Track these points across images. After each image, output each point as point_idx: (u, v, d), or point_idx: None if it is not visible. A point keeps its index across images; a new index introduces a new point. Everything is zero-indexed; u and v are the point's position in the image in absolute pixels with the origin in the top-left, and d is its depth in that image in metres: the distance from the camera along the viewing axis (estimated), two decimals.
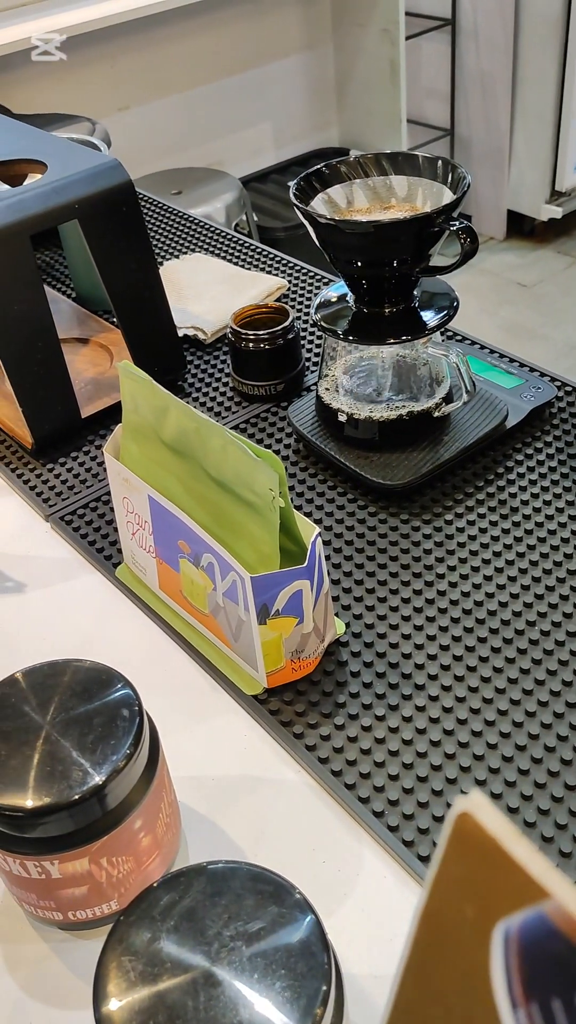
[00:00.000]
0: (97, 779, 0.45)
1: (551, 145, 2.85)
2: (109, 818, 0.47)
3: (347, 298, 0.76)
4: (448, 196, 0.70)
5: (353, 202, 0.74)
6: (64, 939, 0.51)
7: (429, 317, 0.73)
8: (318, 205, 0.72)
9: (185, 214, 1.30)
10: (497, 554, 0.71)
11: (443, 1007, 0.21)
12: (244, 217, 2.43)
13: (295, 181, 0.71)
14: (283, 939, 0.39)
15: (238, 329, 0.87)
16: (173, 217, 1.30)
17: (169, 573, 0.66)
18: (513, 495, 0.76)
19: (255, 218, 2.58)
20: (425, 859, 0.52)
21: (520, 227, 3.07)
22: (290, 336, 0.87)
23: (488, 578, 0.69)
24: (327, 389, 0.79)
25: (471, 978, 0.19)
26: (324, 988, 0.38)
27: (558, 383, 0.88)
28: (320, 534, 0.58)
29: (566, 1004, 0.17)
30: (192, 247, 1.21)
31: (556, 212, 2.91)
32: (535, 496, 0.76)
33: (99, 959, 0.39)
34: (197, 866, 0.42)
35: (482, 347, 0.93)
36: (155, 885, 0.42)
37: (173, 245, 1.22)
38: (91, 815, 0.46)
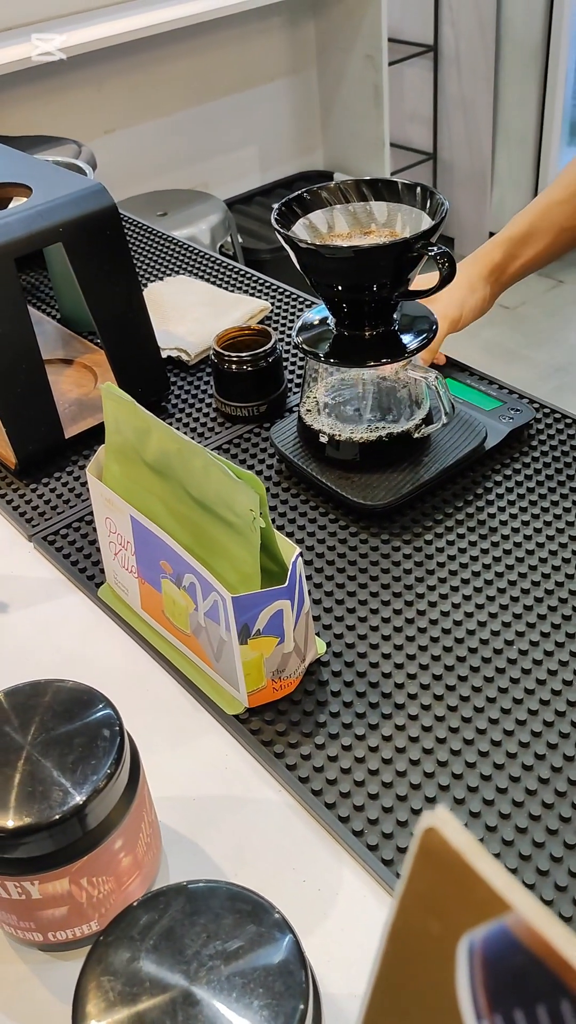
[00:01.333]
0: (78, 799, 0.45)
1: (532, 168, 2.89)
2: (89, 838, 0.47)
3: (328, 321, 0.77)
4: (427, 222, 0.71)
5: (334, 227, 0.75)
6: (44, 960, 0.51)
7: (409, 340, 0.74)
8: (299, 230, 0.73)
9: (169, 236, 1.31)
10: (476, 574, 0.72)
11: (411, 1022, 0.21)
12: (229, 239, 2.45)
13: (276, 206, 0.73)
14: (261, 958, 0.40)
15: (221, 351, 0.88)
16: (157, 239, 1.31)
17: (151, 593, 0.67)
18: (492, 516, 0.77)
19: (240, 240, 2.60)
20: None
21: None
22: (272, 358, 0.88)
23: (467, 598, 0.70)
24: (308, 411, 0.80)
25: (437, 993, 0.20)
26: (301, 1007, 0.38)
27: (536, 405, 0.89)
28: (301, 554, 0.59)
29: (528, 1016, 0.17)
30: (176, 269, 1.22)
31: None
32: (513, 517, 0.77)
33: (78, 980, 0.39)
34: (176, 885, 0.43)
35: (461, 368, 0.94)
36: (134, 905, 0.42)
37: (157, 267, 1.23)
38: (71, 835, 0.46)
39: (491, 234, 3.00)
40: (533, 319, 2.79)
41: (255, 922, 0.41)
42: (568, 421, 0.87)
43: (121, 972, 0.39)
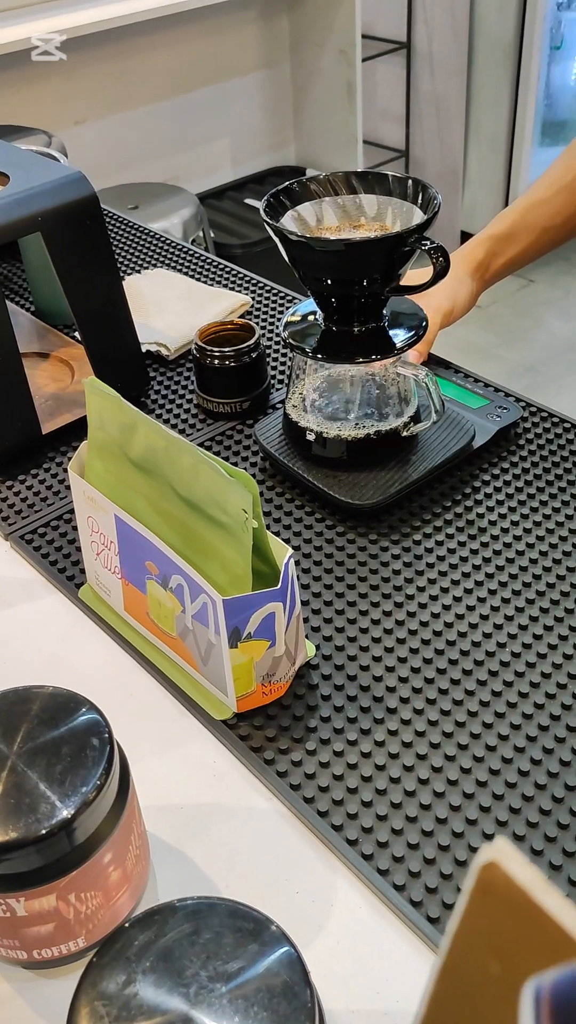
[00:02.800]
0: (66, 812, 0.43)
1: (504, 168, 2.90)
2: (78, 852, 0.45)
3: (316, 316, 0.75)
4: (418, 216, 0.70)
5: (323, 220, 0.73)
6: (28, 979, 0.49)
7: (398, 336, 0.73)
8: (288, 222, 0.71)
9: (145, 228, 1.29)
10: (466, 574, 0.70)
11: None
12: (201, 233, 2.42)
13: (265, 198, 0.71)
14: (264, 978, 0.38)
15: (203, 346, 0.86)
16: (132, 231, 1.28)
17: (135, 595, 0.65)
18: (481, 515, 0.76)
19: (212, 234, 2.57)
20: (401, 888, 0.51)
21: None
22: (256, 353, 0.86)
23: (458, 599, 0.69)
24: (295, 406, 0.79)
25: None
26: None
27: (523, 404, 0.88)
28: (292, 555, 0.57)
29: None
30: (152, 262, 1.19)
31: None
32: (503, 516, 0.76)
33: (71, 1004, 0.38)
34: (172, 903, 0.41)
35: (446, 366, 0.93)
36: (128, 924, 0.40)
37: (133, 259, 1.20)
38: (59, 850, 0.44)
39: (463, 232, 3.00)
40: (504, 318, 2.80)
41: (256, 940, 0.39)
42: (555, 420, 0.86)
43: (116, 996, 0.38)
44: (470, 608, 0.68)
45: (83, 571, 0.72)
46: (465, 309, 0.88)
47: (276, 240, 0.69)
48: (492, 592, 0.69)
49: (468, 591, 0.69)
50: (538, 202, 0.88)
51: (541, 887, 0.17)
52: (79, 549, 0.75)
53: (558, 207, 0.87)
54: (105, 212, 1.32)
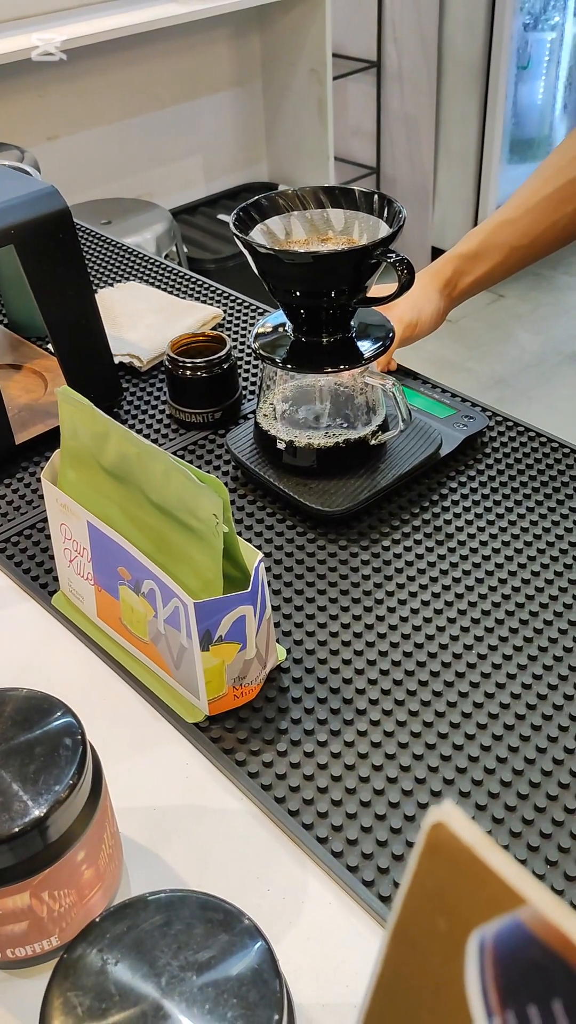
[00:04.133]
0: (38, 811, 0.44)
1: (473, 185, 2.95)
2: (51, 851, 0.45)
3: (285, 327, 0.76)
4: (384, 229, 0.72)
5: (291, 234, 0.75)
6: (2, 979, 0.50)
7: (366, 347, 0.75)
8: (257, 235, 0.73)
9: (118, 243, 1.30)
10: (434, 579, 0.72)
11: (416, 1022, 0.21)
12: (174, 248, 2.44)
13: (235, 211, 0.72)
14: (234, 968, 0.39)
15: (175, 357, 0.87)
16: (105, 245, 1.29)
17: (108, 601, 0.65)
18: (448, 521, 0.77)
19: (185, 249, 2.59)
20: (370, 884, 0.52)
21: None
22: (227, 364, 0.88)
23: (426, 603, 0.70)
24: (265, 416, 0.80)
25: (444, 991, 0.19)
26: (277, 1017, 0.38)
27: (488, 413, 0.90)
28: (262, 559, 0.58)
29: (543, 1010, 0.17)
30: (125, 276, 1.20)
31: None
32: (469, 523, 0.77)
33: (44, 996, 0.38)
34: (144, 896, 0.42)
35: (414, 376, 0.94)
36: (101, 917, 0.41)
37: (106, 273, 1.21)
38: (32, 848, 0.44)
39: (434, 248, 3.03)
40: (474, 332, 2.84)
41: (226, 930, 0.40)
42: (520, 429, 0.88)
43: (89, 987, 0.38)
44: (437, 612, 0.69)
45: (56, 579, 0.73)
46: (431, 325, 0.89)
47: (246, 253, 0.70)
48: (459, 596, 0.70)
49: (435, 595, 0.71)
50: (507, 222, 0.89)
51: (484, 844, 0.18)
52: (52, 557, 0.75)
53: (526, 227, 0.89)
54: (78, 227, 1.33)
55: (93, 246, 1.29)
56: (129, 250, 1.28)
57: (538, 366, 2.70)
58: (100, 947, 0.40)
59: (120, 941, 0.40)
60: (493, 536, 0.76)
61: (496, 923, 0.18)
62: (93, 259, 1.26)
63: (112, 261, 1.25)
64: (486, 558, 0.74)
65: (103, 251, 1.28)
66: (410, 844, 0.54)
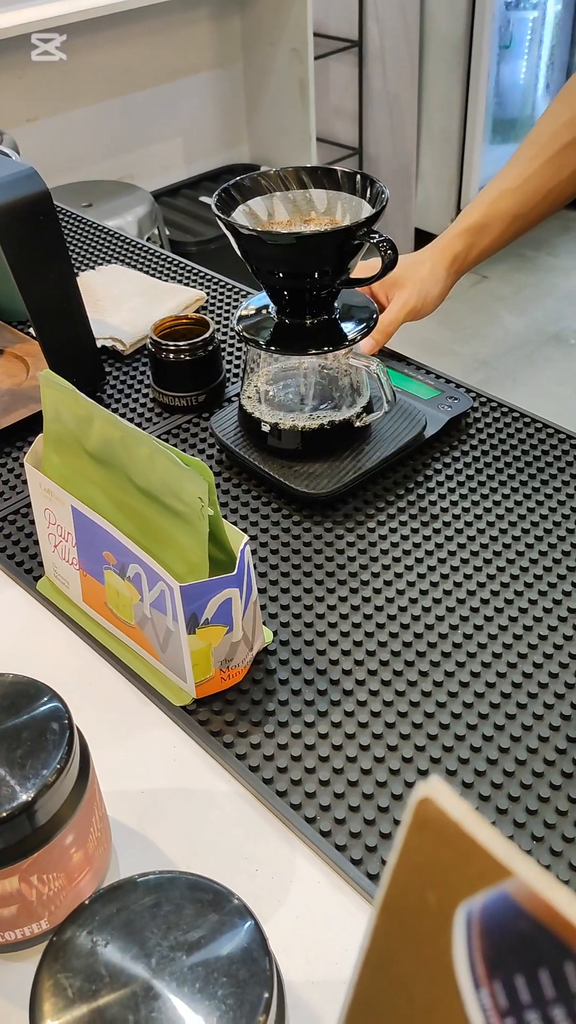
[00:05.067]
0: (26, 795, 0.44)
1: (456, 166, 2.94)
2: (39, 834, 0.45)
3: (269, 309, 0.76)
4: (367, 209, 0.71)
5: (274, 215, 0.74)
6: None
7: (349, 328, 0.74)
8: (239, 217, 0.72)
9: (99, 225, 1.29)
10: (419, 560, 0.72)
11: (404, 995, 0.21)
12: (156, 231, 2.42)
13: (216, 192, 0.72)
14: (223, 947, 0.39)
15: (158, 340, 0.87)
16: (87, 228, 1.28)
17: (93, 585, 0.65)
18: (433, 503, 0.78)
19: (167, 232, 2.57)
20: (358, 863, 0.53)
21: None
22: (211, 347, 0.87)
23: (411, 584, 0.70)
24: (250, 398, 0.80)
25: (433, 964, 0.20)
26: (267, 995, 0.38)
27: (473, 394, 0.90)
28: (248, 542, 0.58)
29: (529, 980, 0.17)
30: (106, 259, 1.20)
31: None
32: (454, 503, 0.77)
33: (35, 978, 0.38)
34: (133, 878, 0.42)
35: (399, 358, 0.94)
36: (90, 899, 0.41)
37: (88, 256, 1.20)
38: (21, 832, 0.44)
39: (417, 230, 3.02)
40: (459, 314, 2.84)
41: (216, 911, 0.41)
42: (504, 410, 0.88)
43: (79, 969, 0.38)
44: (423, 592, 0.69)
45: (41, 564, 0.73)
46: (433, 307, 0.89)
47: (228, 234, 0.70)
48: (444, 576, 0.71)
49: (421, 576, 0.71)
50: (508, 191, 0.89)
51: (471, 818, 0.18)
52: (36, 543, 0.75)
53: (526, 195, 0.88)
54: (59, 209, 1.32)
55: (74, 229, 1.28)
56: (111, 233, 1.27)
57: (522, 347, 2.70)
58: (90, 929, 0.40)
59: (110, 923, 0.40)
60: (478, 517, 0.76)
61: (483, 896, 0.18)
62: (74, 242, 1.24)
63: (93, 244, 1.24)
64: (471, 539, 0.74)
65: (84, 234, 1.27)
66: (398, 822, 0.54)
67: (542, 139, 0.87)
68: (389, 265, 0.69)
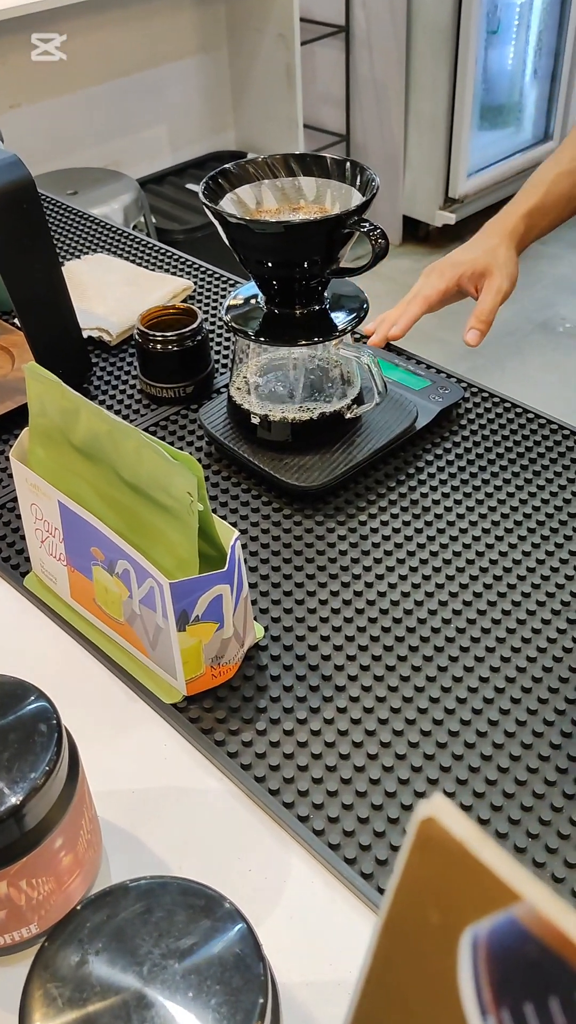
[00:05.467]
0: (14, 799, 0.43)
1: (444, 153, 2.92)
2: (28, 838, 0.45)
3: (258, 299, 0.75)
4: (357, 198, 0.70)
5: (262, 202, 0.73)
6: None
7: (340, 318, 0.73)
8: (227, 205, 0.71)
9: (84, 213, 1.27)
10: (411, 553, 0.71)
11: (406, 1016, 0.20)
12: (143, 219, 2.40)
13: (204, 180, 0.70)
14: (216, 953, 0.38)
15: (146, 330, 0.86)
16: (72, 217, 1.26)
17: (81, 581, 0.64)
18: (425, 495, 0.77)
19: (154, 220, 2.55)
20: (352, 862, 0.52)
21: (415, 233, 3.13)
22: (199, 337, 0.86)
23: (403, 577, 0.69)
24: (239, 390, 0.79)
25: (436, 985, 0.19)
26: (261, 1001, 0.37)
27: (464, 384, 0.89)
28: (239, 537, 0.57)
29: (539, 1008, 0.17)
30: (92, 247, 1.18)
31: (450, 219, 2.98)
32: (446, 495, 0.77)
33: (24, 988, 0.38)
34: (124, 883, 0.41)
35: (388, 348, 0.93)
36: (80, 906, 0.40)
37: (73, 245, 1.19)
38: (9, 836, 0.44)
39: (405, 217, 2.99)
40: None
41: (208, 916, 0.40)
42: (495, 400, 0.88)
43: (69, 977, 0.38)
44: (415, 586, 0.69)
45: (28, 559, 0.72)
46: (513, 288, 0.89)
47: (216, 223, 0.69)
48: (436, 570, 0.70)
49: (413, 569, 0.70)
50: (565, 173, 0.89)
51: (477, 839, 0.18)
52: (23, 537, 0.74)
53: None
54: (44, 197, 1.30)
55: (59, 217, 1.26)
56: (96, 221, 1.25)
57: (510, 335, 2.69)
58: (80, 936, 0.39)
59: (101, 930, 0.39)
60: (470, 508, 0.75)
61: (490, 920, 0.17)
62: (59, 231, 1.23)
63: (79, 233, 1.22)
64: (463, 531, 0.73)
65: (69, 222, 1.25)
66: (392, 820, 0.54)
67: None
68: (380, 254, 0.68)
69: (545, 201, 0.89)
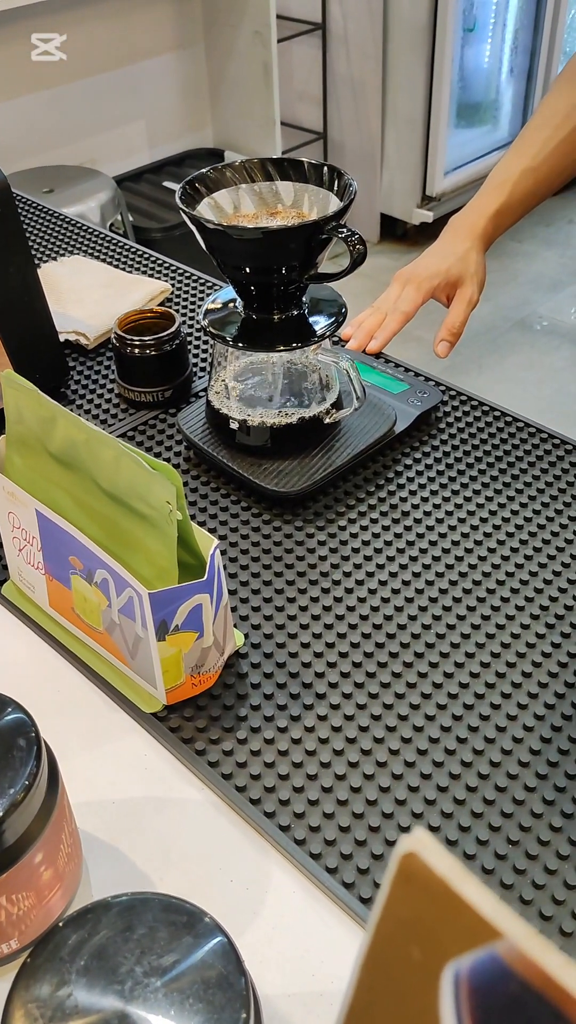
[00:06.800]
0: None
1: (421, 151, 2.92)
2: (8, 854, 0.44)
3: (236, 303, 0.75)
4: (335, 203, 0.70)
5: (240, 207, 0.73)
6: None
7: (318, 323, 0.73)
8: (204, 210, 0.71)
9: (60, 214, 1.26)
10: (391, 558, 0.71)
11: None
12: (119, 217, 2.39)
13: (181, 185, 0.70)
14: (199, 970, 0.38)
15: (123, 334, 0.85)
16: (47, 217, 1.25)
17: (60, 590, 0.64)
18: (404, 499, 0.77)
19: (131, 218, 2.54)
20: (333, 871, 0.52)
21: (393, 230, 3.13)
22: (177, 341, 0.86)
23: (383, 582, 0.69)
24: (217, 394, 0.78)
25: (418, 1020, 0.19)
26: (243, 1016, 0.37)
27: (442, 388, 0.89)
28: (218, 546, 0.57)
29: None
30: (68, 248, 1.17)
31: (427, 216, 2.98)
32: (425, 500, 0.77)
33: (4, 1008, 0.37)
34: (105, 900, 0.41)
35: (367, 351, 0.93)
36: (61, 924, 0.40)
37: (48, 246, 1.18)
38: None
39: (383, 215, 2.99)
40: None
41: (190, 933, 0.40)
42: (474, 403, 0.88)
43: (50, 997, 0.37)
44: (395, 591, 0.69)
45: (5, 567, 0.71)
46: (481, 293, 0.89)
47: (193, 228, 0.68)
48: (416, 575, 0.70)
49: (393, 574, 0.70)
50: (528, 170, 0.88)
51: (459, 875, 0.18)
52: (1, 546, 0.73)
53: (545, 174, 0.88)
54: (18, 197, 1.29)
55: (34, 217, 1.25)
56: (72, 222, 1.24)
57: (487, 333, 2.70)
58: (62, 955, 0.39)
59: (82, 948, 0.39)
60: (449, 513, 0.75)
61: (471, 955, 0.17)
62: (34, 232, 1.22)
63: (54, 233, 1.21)
64: (442, 535, 0.73)
65: (45, 223, 1.24)
66: (373, 830, 0.54)
67: (555, 119, 0.87)
68: (358, 260, 0.68)
69: (511, 200, 0.89)
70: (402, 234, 3.12)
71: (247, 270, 0.70)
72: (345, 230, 0.66)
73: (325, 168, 0.71)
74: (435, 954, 0.18)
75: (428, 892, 0.18)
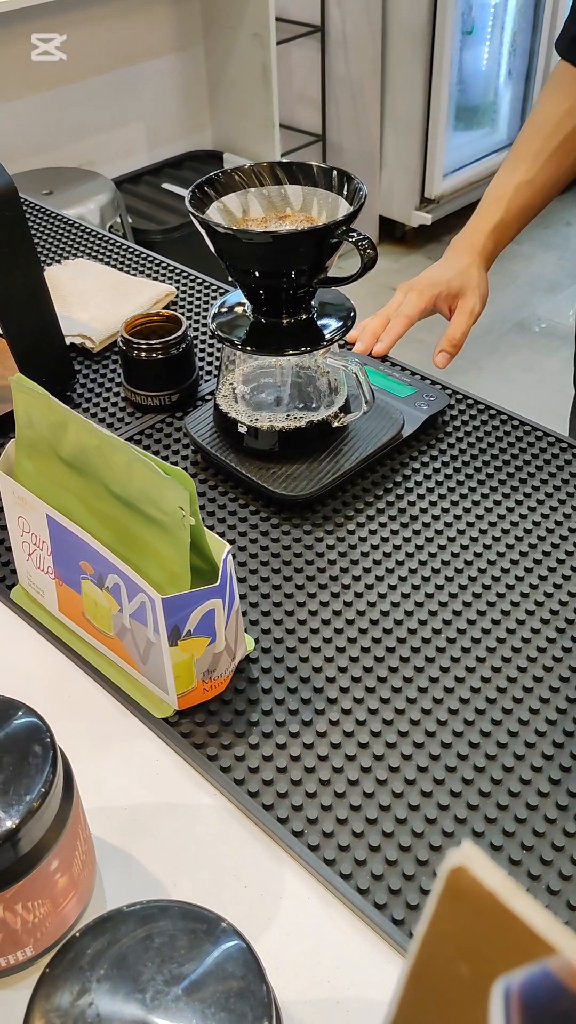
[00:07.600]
0: (10, 823, 0.43)
1: (420, 153, 2.92)
2: (24, 862, 0.44)
3: (244, 307, 0.75)
4: (344, 207, 0.70)
5: (248, 211, 0.73)
6: None
7: (327, 327, 0.73)
8: (213, 214, 0.71)
9: (62, 216, 1.26)
10: (400, 562, 0.71)
11: None
12: (119, 219, 2.38)
13: (190, 189, 0.70)
14: (220, 978, 0.38)
15: (130, 338, 0.85)
16: (48, 219, 1.25)
17: (70, 595, 0.64)
18: (412, 503, 0.77)
19: (130, 220, 2.53)
20: (348, 877, 0.52)
21: (392, 233, 3.13)
22: (184, 345, 0.86)
23: (393, 586, 0.69)
24: (225, 397, 0.78)
25: None
26: None
27: (449, 391, 0.89)
28: (230, 551, 0.57)
29: None
30: (70, 251, 1.17)
31: (426, 219, 2.98)
32: (434, 503, 0.77)
33: (24, 1020, 0.37)
34: (122, 909, 0.41)
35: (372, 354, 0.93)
36: (79, 933, 0.40)
37: (50, 248, 1.18)
38: (5, 860, 0.43)
39: (381, 217, 2.99)
40: None
41: (209, 940, 0.39)
42: (481, 407, 0.88)
43: (70, 1007, 0.37)
44: (405, 595, 0.69)
45: (15, 572, 0.71)
46: (484, 306, 0.89)
47: (203, 232, 0.68)
48: (426, 579, 0.70)
49: (403, 579, 0.70)
50: (524, 183, 0.89)
51: (509, 890, 0.17)
52: (9, 550, 0.73)
53: (539, 186, 0.89)
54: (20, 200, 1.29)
55: (36, 220, 1.25)
56: (73, 223, 1.24)
57: (487, 335, 2.70)
58: (81, 964, 0.38)
59: (101, 957, 0.39)
60: (458, 516, 0.75)
61: (523, 971, 0.17)
62: (36, 234, 1.21)
63: (56, 235, 1.21)
64: (451, 539, 0.73)
65: (46, 225, 1.24)
66: (387, 834, 0.54)
67: (546, 129, 0.87)
68: (368, 264, 0.68)
69: (508, 216, 0.89)
70: (401, 236, 3.13)
71: (256, 274, 0.70)
72: (356, 234, 0.66)
73: (334, 172, 0.71)
74: (484, 970, 0.18)
75: (477, 907, 0.18)
